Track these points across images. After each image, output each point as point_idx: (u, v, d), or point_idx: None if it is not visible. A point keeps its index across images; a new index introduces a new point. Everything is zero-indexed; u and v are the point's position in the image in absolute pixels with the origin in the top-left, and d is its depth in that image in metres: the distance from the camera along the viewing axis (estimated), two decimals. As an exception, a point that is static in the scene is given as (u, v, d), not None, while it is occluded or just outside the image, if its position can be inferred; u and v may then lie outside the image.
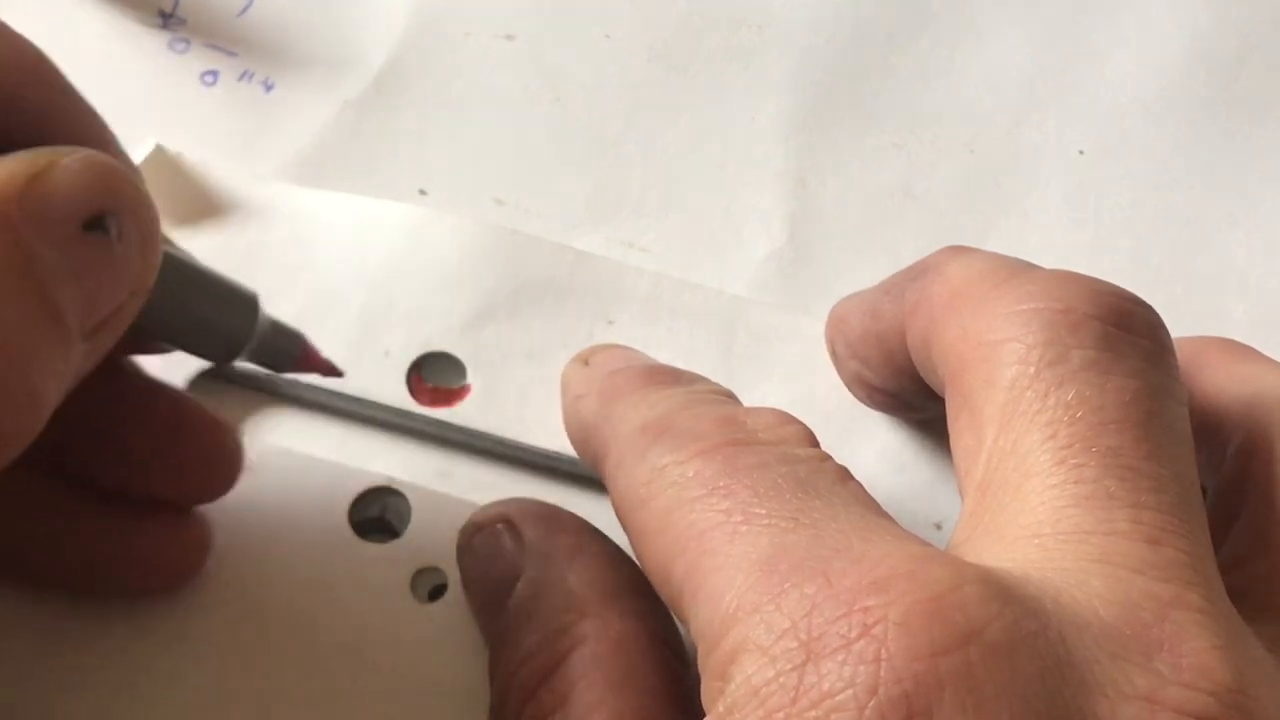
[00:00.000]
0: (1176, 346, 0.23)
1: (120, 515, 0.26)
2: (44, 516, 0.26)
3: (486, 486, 0.29)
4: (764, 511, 0.20)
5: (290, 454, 0.29)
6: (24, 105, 0.22)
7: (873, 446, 0.30)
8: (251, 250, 0.32)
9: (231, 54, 0.35)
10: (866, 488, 0.22)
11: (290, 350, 0.27)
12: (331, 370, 0.28)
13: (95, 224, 0.21)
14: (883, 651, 0.17)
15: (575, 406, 0.27)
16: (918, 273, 0.26)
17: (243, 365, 0.27)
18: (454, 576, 0.28)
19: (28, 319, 0.20)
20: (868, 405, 0.30)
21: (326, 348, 0.31)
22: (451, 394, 0.31)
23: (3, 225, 0.20)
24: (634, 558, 0.24)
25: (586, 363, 0.28)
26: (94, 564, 0.26)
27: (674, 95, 0.36)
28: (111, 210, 0.21)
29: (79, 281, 0.21)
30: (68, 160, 0.21)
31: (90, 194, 0.21)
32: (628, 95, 0.36)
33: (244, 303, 0.26)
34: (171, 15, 0.36)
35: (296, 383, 0.30)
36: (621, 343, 0.30)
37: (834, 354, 0.30)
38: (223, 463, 0.27)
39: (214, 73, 0.35)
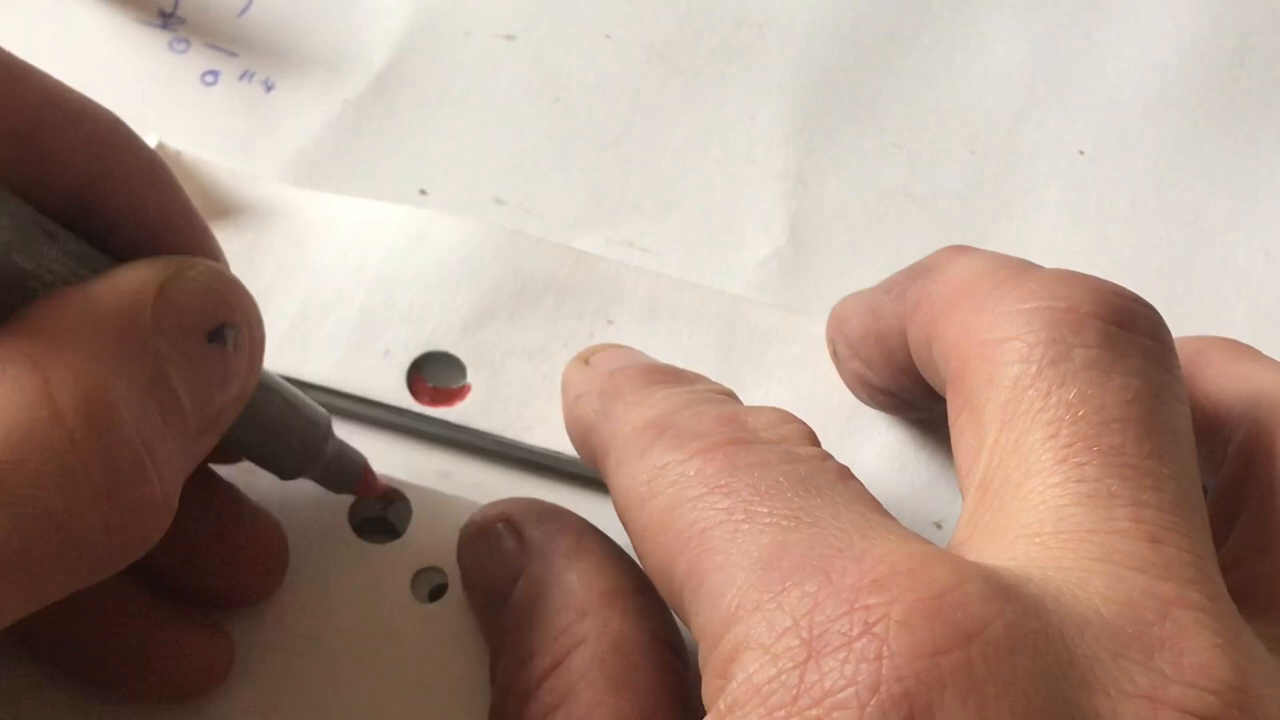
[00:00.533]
0: (1177, 346, 0.23)
1: (156, 614, 0.26)
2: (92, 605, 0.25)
3: (486, 486, 0.29)
4: (765, 510, 0.20)
5: (290, 454, 0.29)
6: (144, 212, 0.23)
7: (873, 446, 0.30)
8: (251, 250, 0.32)
9: (231, 54, 0.35)
10: (867, 486, 0.22)
11: (351, 474, 0.28)
12: (389, 493, 0.29)
13: (216, 334, 0.22)
14: (884, 649, 0.17)
15: (576, 406, 0.27)
16: (919, 272, 0.26)
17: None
18: (454, 576, 0.28)
19: (165, 425, 0.21)
20: (868, 405, 0.30)
21: (326, 347, 0.31)
22: (451, 394, 0.31)
23: (140, 335, 0.21)
24: (634, 557, 0.24)
25: (587, 362, 0.28)
26: (121, 661, 0.26)
27: (674, 95, 0.36)
28: (230, 322, 0.23)
29: (201, 388, 0.22)
30: (194, 272, 0.22)
31: (214, 305, 0.22)
32: (628, 95, 0.36)
33: (319, 423, 0.27)
34: (171, 15, 0.36)
35: (297, 383, 0.30)
36: (621, 343, 0.30)
37: (834, 354, 0.30)
38: (270, 556, 0.27)
39: (214, 73, 0.35)
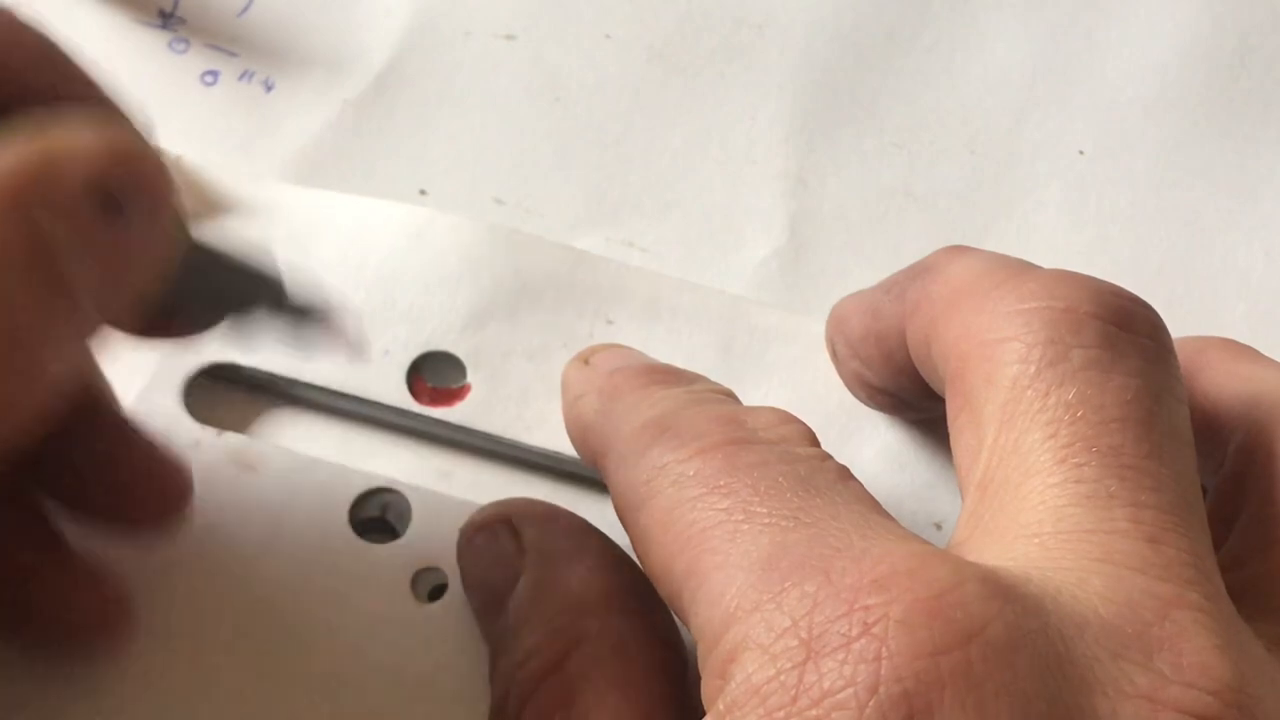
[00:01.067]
0: (1177, 346, 0.23)
1: (48, 551, 0.25)
2: None
3: (486, 486, 0.29)
4: (765, 510, 0.20)
5: (291, 454, 0.29)
6: (30, 90, 0.21)
7: (873, 446, 0.30)
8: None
9: (231, 54, 0.35)
10: (867, 487, 0.22)
11: (314, 323, 0.25)
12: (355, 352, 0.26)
13: (110, 202, 0.20)
14: (883, 650, 0.17)
15: (575, 406, 0.27)
16: (918, 272, 0.26)
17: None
18: (454, 576, 0.28)
19: (38, 299, 0.20)
20: (868, 405, 0.30)
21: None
22: (451, 394, 0.31)
23: (14, 204, 0.19)
24: (634, 557, 0.24)
25: (586, 362, 0.28)
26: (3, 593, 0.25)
27: (674, 95, 0.36)
28: (127, 187, 0.21)
29: (93, 260, 0.20)
30: (79, 138, 0.20)
31: (104, 171, 0.20)
32: (628, 95, 0.36)
33: (268, 279, 0.24)
34: (171, 15, 0.36)
35: (297, 383, 0.30)
36: (621, 343, 0.30)
37: (834, 354, 0.30)
38: (167, 484, 0.26)
39: (214, 73, 0.35)
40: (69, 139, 0.20)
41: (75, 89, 0.22)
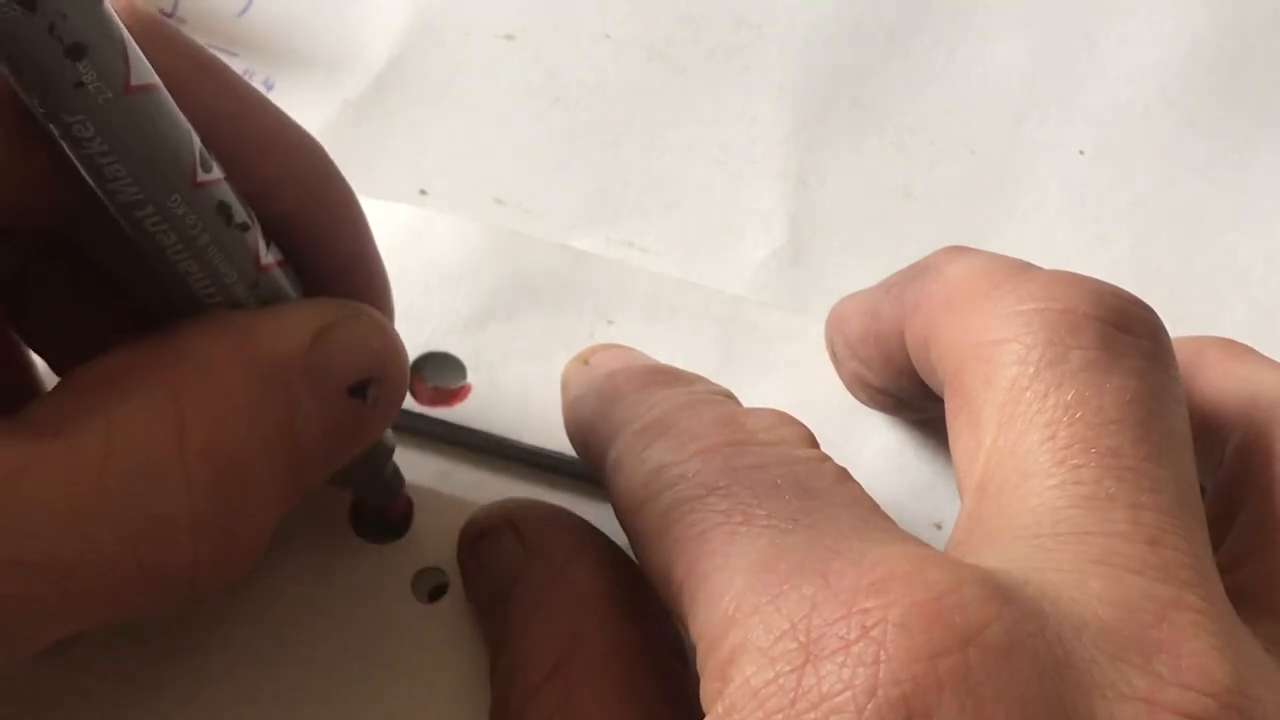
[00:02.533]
0: (1176, 346, 0.23)
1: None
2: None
3: (486, 486, 0.29)
4: (763, 512, 0.20)
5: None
6: (333, 248, 0.23)
7: (873, 446, 0.30)
8: (252, 250, 0.32)
9: (231, 54, 0.35)
10: (866, 488, 0.22)
11: (389, 492, 0.28)
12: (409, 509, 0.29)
13: (358, 389, 0.22)
14: (881, 653, 0.17)
15: (575, 406, 0.27)
16: (917, 273, 0.26)
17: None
18: (455, 577, 0.28)
19: (274, 471, 0.21)
20: (868, 405, 0.30)
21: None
22: (451, 394, 0.31)
23: (285, 382, 0.21)
24: (634, 558, 0.24)
25: (586, 363, 0.28)
26: None
27: (674, 95, 0.36)
28: (376, 380, 0.23)
29: (326, 440, 0.22)
30: (356, 323, 0.22)
31: (366, 361, 0.22)
32: (628, 95, 0.36)
33: (386, 444, 0.27)
34: (171, 15, 0.36)
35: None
36: (621, 343, 0.30)
37: (834, 354, 0.30)
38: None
39: (214, 73, 0.35)
40: (345, 322, 0.22)
41: (359, 246, 0.24)
